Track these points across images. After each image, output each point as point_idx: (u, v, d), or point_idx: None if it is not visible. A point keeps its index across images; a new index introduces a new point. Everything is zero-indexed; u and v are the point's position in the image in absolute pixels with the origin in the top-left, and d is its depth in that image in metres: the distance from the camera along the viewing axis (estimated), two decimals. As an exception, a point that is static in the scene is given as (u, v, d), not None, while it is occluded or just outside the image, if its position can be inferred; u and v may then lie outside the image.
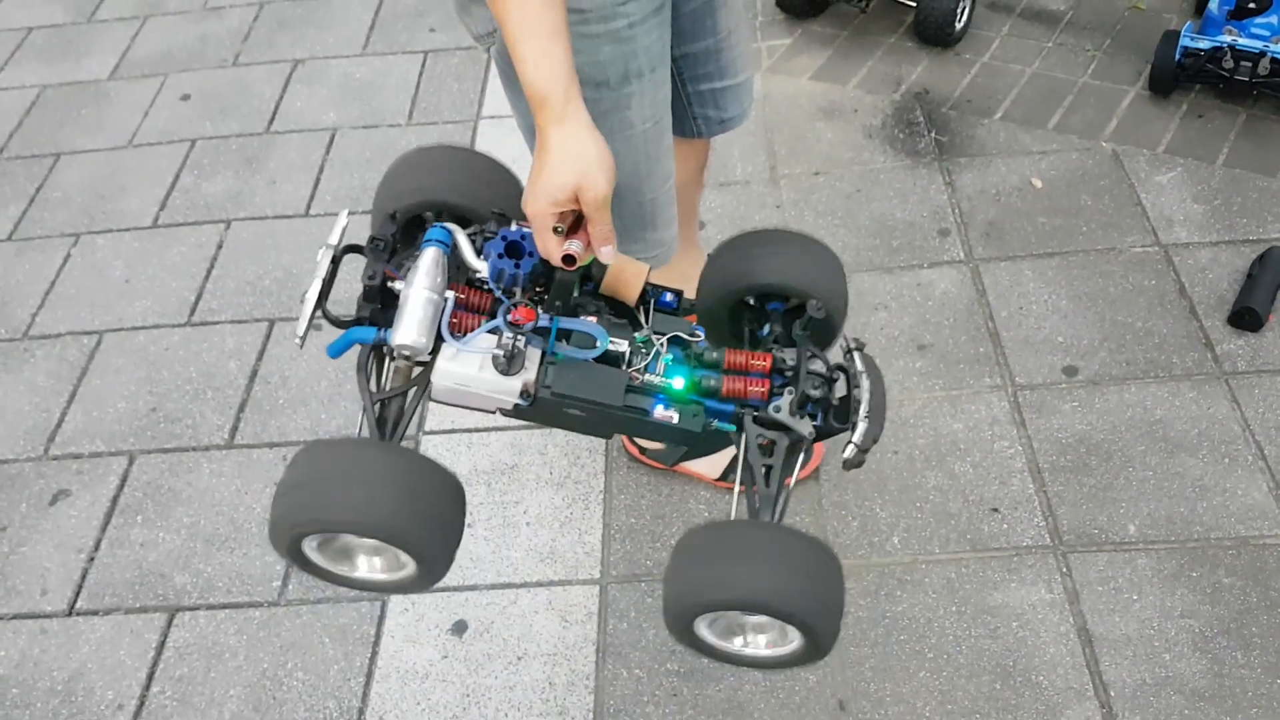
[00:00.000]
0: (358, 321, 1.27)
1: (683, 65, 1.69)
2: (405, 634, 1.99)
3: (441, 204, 1.34)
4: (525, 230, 1.24)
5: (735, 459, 2.09)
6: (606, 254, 1.21)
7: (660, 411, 1.25)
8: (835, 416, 1.27)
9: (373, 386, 1.27)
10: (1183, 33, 2.76)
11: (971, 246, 2.54)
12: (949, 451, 2.15)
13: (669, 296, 1.35)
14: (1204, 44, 2.73)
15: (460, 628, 1.99)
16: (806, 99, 3.00)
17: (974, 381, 2.26)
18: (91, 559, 2.16)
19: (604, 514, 2.13)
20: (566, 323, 1.25)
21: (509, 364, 1.20)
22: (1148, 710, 1.76)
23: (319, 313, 1.25)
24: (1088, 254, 2.49)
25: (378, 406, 1.26)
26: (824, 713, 1.83)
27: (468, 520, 2.13)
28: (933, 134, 2.85)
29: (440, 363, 1.22)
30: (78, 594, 2.11)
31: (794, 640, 1.21)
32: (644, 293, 1.33)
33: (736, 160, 2.82)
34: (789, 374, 1.29)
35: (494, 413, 1.28)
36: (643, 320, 1.33)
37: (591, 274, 1.30)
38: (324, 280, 1.25)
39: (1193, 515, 2.00)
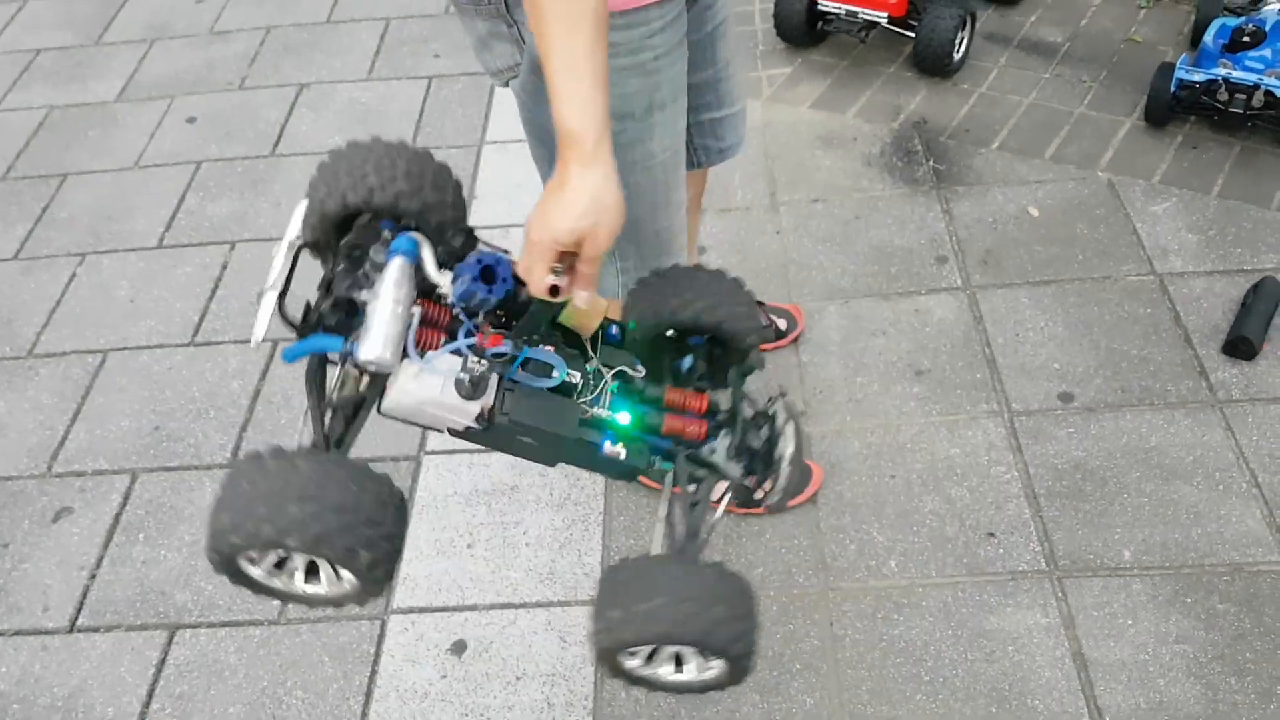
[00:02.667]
0: (318, 327, 1.22)
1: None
2: (405, 653, 2.00)
3: (389, 208, 1.24)
4: (500, 255, 1.23)
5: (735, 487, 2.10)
6: (583, 299, 1.22)
7: (609, 447, 1.27)
8: (762, 461, 1.32)
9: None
10: (1178, 65, 2.80)
11: (969, 274, 2.56)
12: (946, 476, 2.16)
13: (614, 330, 1.37)
14: (1199, 77, 2.77)
15: (460, 647, 2.00)
16: (806, 127, 3.04)
17: (971, 407, 2.28)
18: (93, 576, 2.17)
19: (603, 535, 2.14)
20: (533, 352, 1.25)
21: (473, 388, 1.18)
22: (1142, 735, 1.78)
23: (277, 314, 1.20)
24: (1083, 282, 2.51)
25: (327, 415, 1.23)
26: (821, 735, 1.84)
27: (467, 542, 2.15)
28: (931, 163, 2.88)
29: (401, 379, 1.18)
30: (79, 611, 2.12)
31: (715, 666, 1.24)
32: (602, 326, 1.34)
33: (737, 187, 2.85)
34: (721, 416, 1.34)
35: (442, 431, 1.27)
36: (591, 352, 1.34)
37: (557, 316, 1.31)
38: (283, 279, 1.21)
39: (1187, 541, 2.02)
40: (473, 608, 2.05)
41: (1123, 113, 2.97)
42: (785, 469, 1.29)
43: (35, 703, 1.99)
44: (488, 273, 1.20)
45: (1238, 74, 2.73)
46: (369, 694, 1.95)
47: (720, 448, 1.31)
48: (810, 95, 3.14)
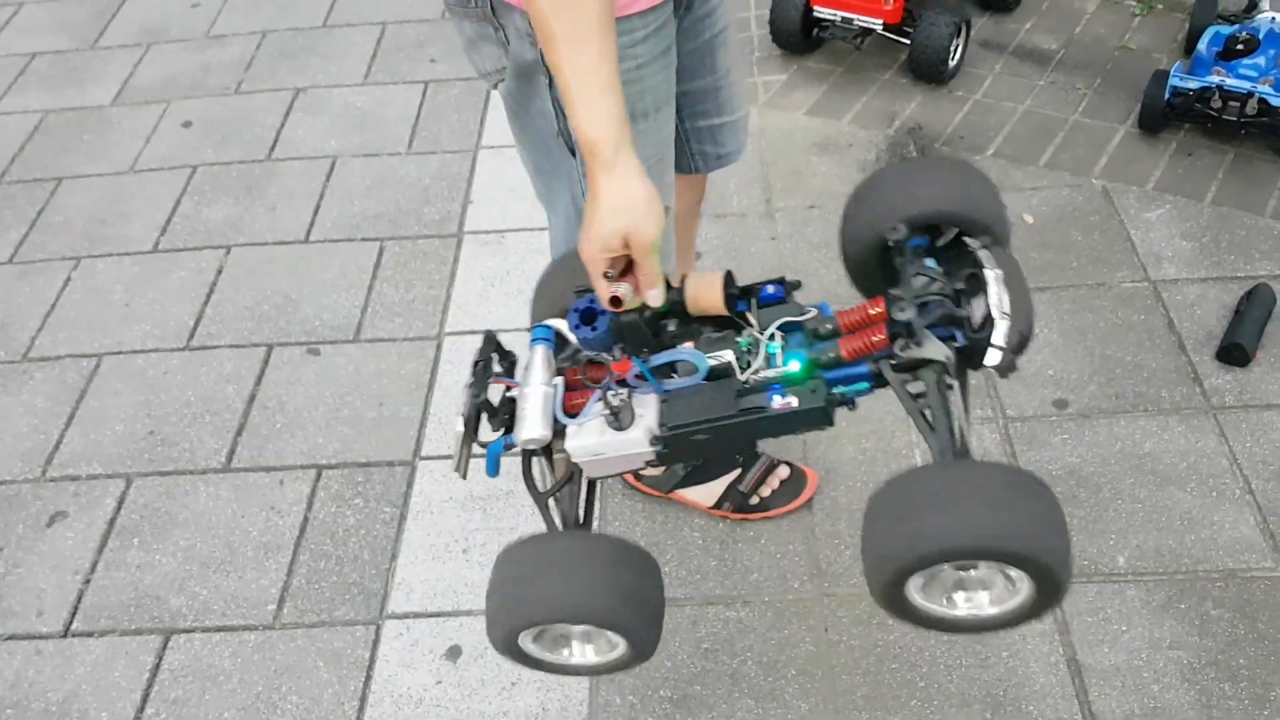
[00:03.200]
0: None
1: (682, 103, 1.72)
2: (400, 659, 2.00)
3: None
4: (592, 294, 1.25)
5: (731, 487, 2.10)
6: (654, 296, 1.21)
7: (778, 401, 1.19)
8: (975, 330, 1.17)
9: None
10: (1172, 73, 2.81)
11: (964, 280, 2.56)
12: (941, 482, 2.16)
13: (770, 289, 1.30)
14: (1193, 84, 2.78)
15: (455, 653, 2.00)
16: (802, 133, 3.04)
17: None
18: (88, 581, 2.17)
19: (598, 541, 2.14)
20: (656, 358, 1.25)
21: (618, 419, 1.20)
22: (1136, 741, 1.78)
23: (470, 445, 1.29)
24: (1078, 289, 2.52)
25: (551, 502, 1.29)
26: (816, 741, 1.84)
27: (463, 546, 2.15)
28: (926, 169, 2.88)
29: (568, 443, 1.23)
30: (73, 615, 2.12)
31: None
32: (733, 295, 1.28)
33: (733, 193, 2.86)
34: (900, 309, 1.18)
35: (644, 468, 1.27)
36: (751, 320, 1.28)
37: (673, 309, 1.28)
38: (466, 417, 1.28)
39: (1181, 548, 2.02)
40: (468, 613, 2.05)
41: (1117, 120, 2.98)
42: (1002, 322, 1.13)
43: (29, 708, 1.98)
44: (588, 314, 1.25)
45: (1231, 82, 2.74)
46: (364, 699, 1.95)
47: (914, 337, 1.17)
48: (806, 101, 3.15)
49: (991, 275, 1.16)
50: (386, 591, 2.10)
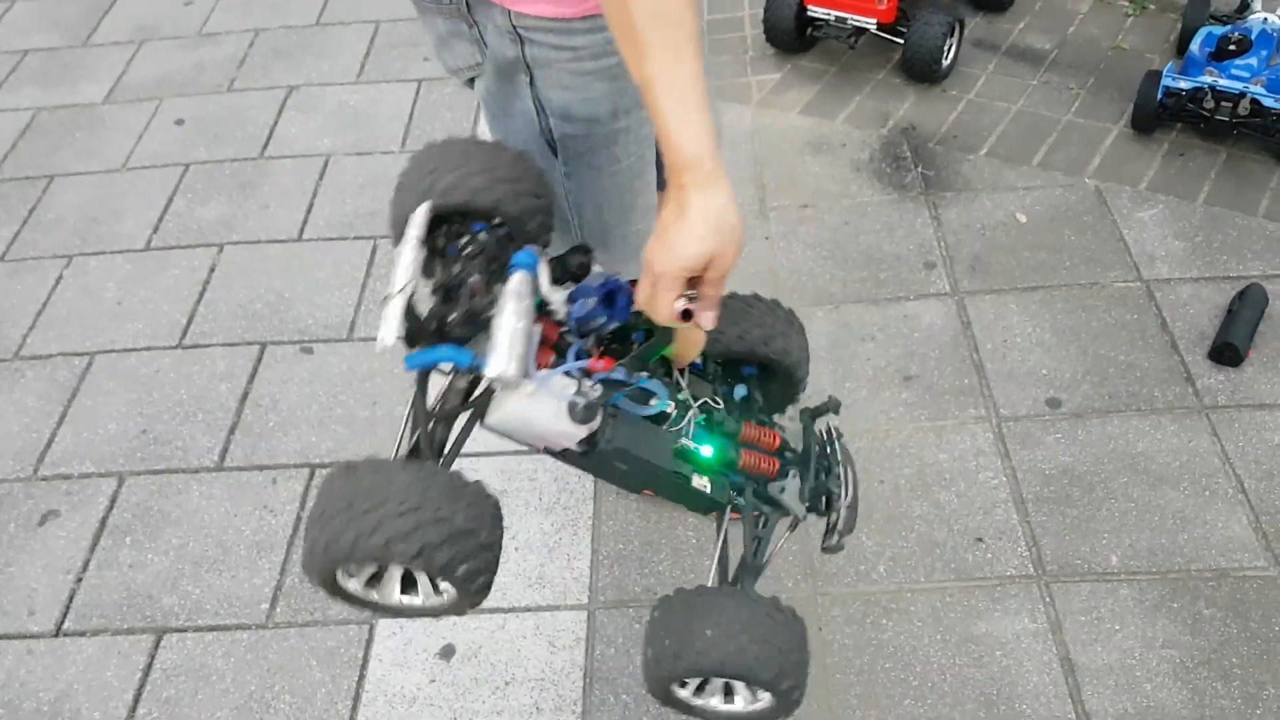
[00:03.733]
0: (439, 336, 1.19)
1: None
2: (393, 658, 2.00)
3: (489, 209, 1.25)
4: (620, 281, 1.23)
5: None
6: (709, 319, 1.20)
7: (697, 480, 1.30)
8: (824, 503, 1.39)
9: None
10: (1164, 73, 2.81)
11: (957, 280, 2.57)
12: (934, 481, 2.17)
13: (698, 361, 1.38)
14: (1185, 85, 2.79)
15: (448, 652, 2.00)
16: (795, 133, 3.04)
17: (959, 413, 2.29)
18: (79, 580, 2.16)
19: (592, 540, 2.14)
20: (645, 381, 1.26)
21: (586, 413, 1.17)
22: (1129, 739, 1.79)
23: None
24: (1071, 288, 2.52)
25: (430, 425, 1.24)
26: (809, 740, 1.84)
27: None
28: (919, 169, 2.89)
29: (514, 397, 1.17)
30: (65, 615, 2.11)
31: (764, 698, 1.28)
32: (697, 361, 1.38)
33: (726, 192, 2.85)
34: (788, 454, 1.39)
35: (540, 450, 1.26)
36: (681, 382, 1.36)
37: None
38: (412, 282, 1.16)
39: (1174, 547, 2.03)
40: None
41: (1110, 120, 2.98)
42: (844, 512, 1.37)
43: (21, 707, 1.98)
44: (610, 297, 1.22)
45: (1224, 82, 2.75)
46: (357, 698, 1.95)
47: (790, 487, 1.36)
48: (799, 101, 3.15)
49: (847, 472, 1.39)
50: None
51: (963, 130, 3.01)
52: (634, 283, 1.22)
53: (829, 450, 1.43)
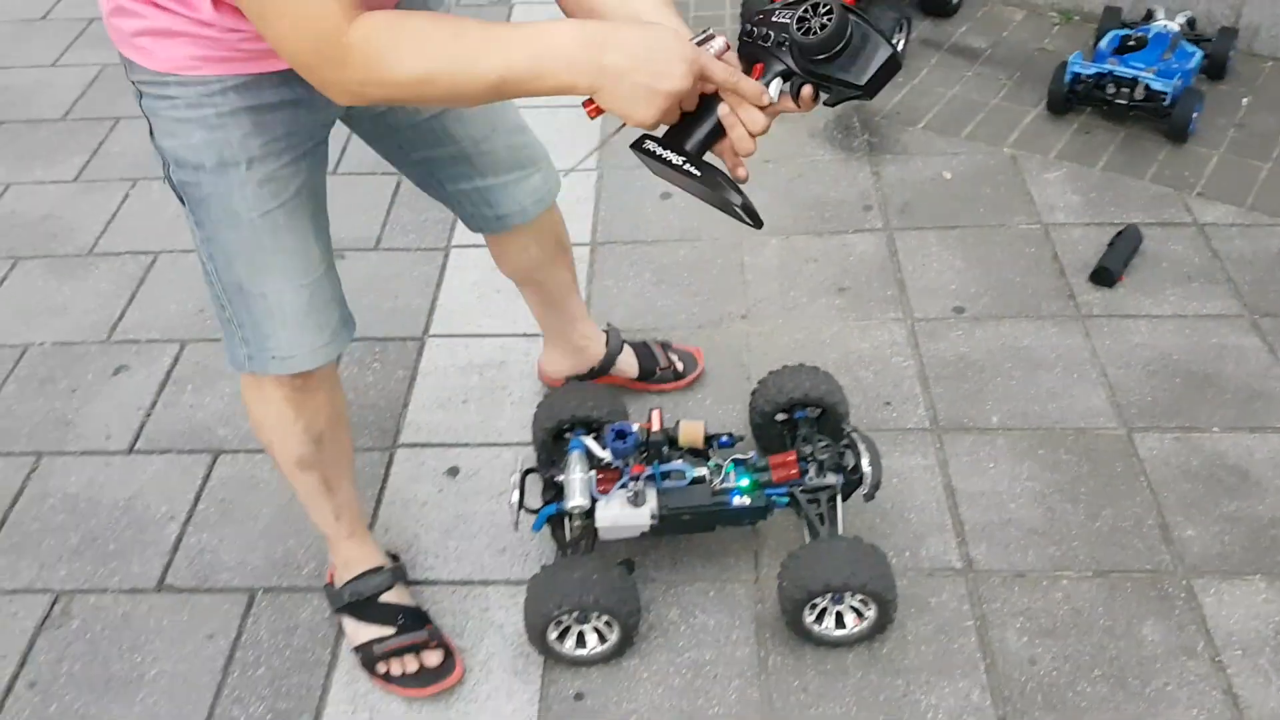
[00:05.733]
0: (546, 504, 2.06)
1: (433, 167, 1.87)
2: (408, 474, 2.44)
3: (579, 420, 2.18)
4: (625, 426, 2.02)
5: (655, 368, 2.61)
6: (754, 91, 1.29)
7: (738, 500, 2.01)
8: (851, 473, 2.05)
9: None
10: (1071, 60, 3.33)
11: (889, 219, 3.07)
12: (856, 364, 2.64)
13: (725, 438, 2.10)
14: (1091, 70, 3.30)
15: (454, 471, 2.44)
16: (762, 105, 3.53)
17: (880, 315, 2.77)
18: (149, 414, 2.61)
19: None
20: (665, 466, 2.01)
21: (636, 500, 1.97)
22: (993, 540, 2.24)
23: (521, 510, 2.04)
24: (982, 228, 3.02)
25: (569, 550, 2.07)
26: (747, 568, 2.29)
27: (463, 399, 2.61)
28: (866, 136, 3.39)
29: (599, 512, 1.98)
30: (136, 439, 2.56)
31: (871, 612, 1.98)
32: (708, 440, 2.08)
33: (700, 147, 3.34)
34: (806, 457, 2.07)
35: (640, 536, 2.03)
36: (710, 454, 2.10)
37: (678, 442, 2.07)
38: (518, 499, 2.04)
39: (1044, 412, 2.50)
40: (465, 445, 2.50)
41: (1030, 104, 3.49)
42: (869, 470, 2.02)
43: (100, 501, 2.42)
44: (620, 434, 1.99)
45: (1121, 70, 3.26)
46: (379, 501, 2.39)
47: (812, 472, 2.05)
48: (767, 80, 3.64)
49: (863, 445, 2.05)
50: (399, 429, 2.55)
51: (905, 109, 3.51)
52: (626, 415, 2.25)
53: (849, 433, 2.11)
